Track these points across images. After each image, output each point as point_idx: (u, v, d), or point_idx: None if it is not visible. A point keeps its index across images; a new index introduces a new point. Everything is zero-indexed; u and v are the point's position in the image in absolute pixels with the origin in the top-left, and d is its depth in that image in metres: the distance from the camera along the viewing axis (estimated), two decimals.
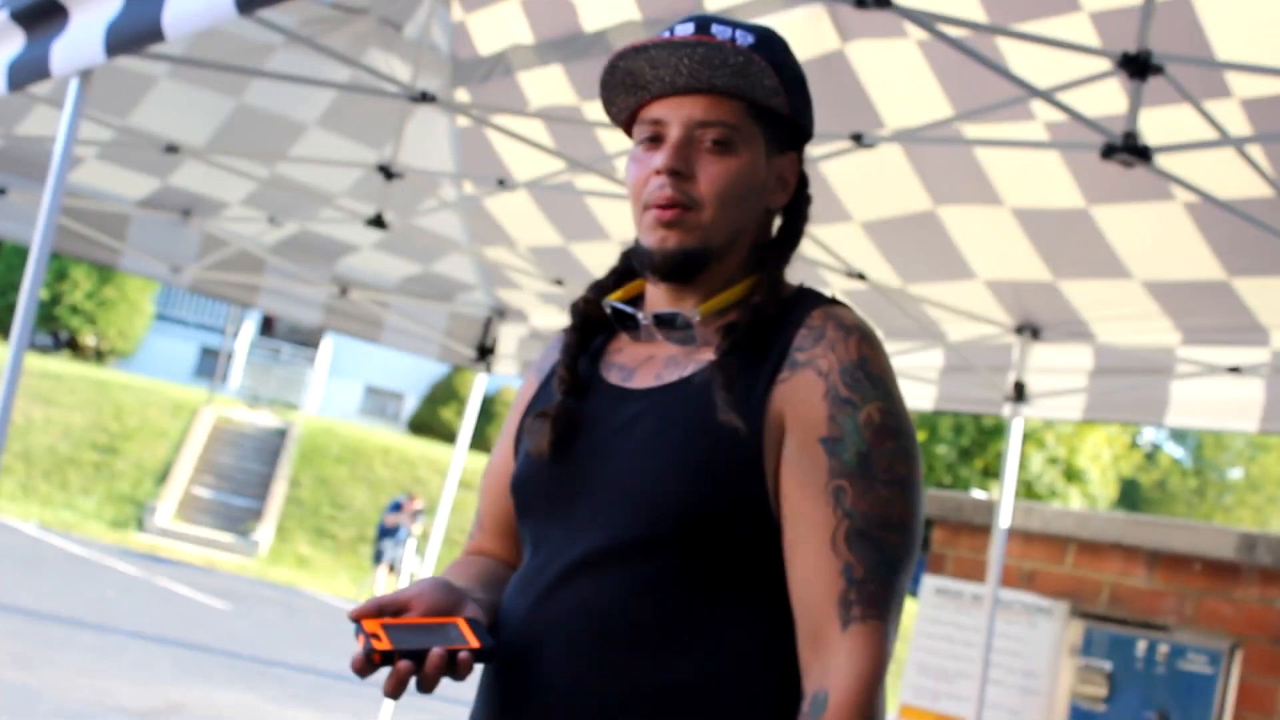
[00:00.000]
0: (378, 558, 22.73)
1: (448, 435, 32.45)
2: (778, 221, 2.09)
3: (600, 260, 6.54)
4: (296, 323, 7.74)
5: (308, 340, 37.09)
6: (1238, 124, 4.17)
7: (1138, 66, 3.74)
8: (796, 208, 2.08)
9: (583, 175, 5.66)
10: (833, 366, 1.87)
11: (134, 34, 3.29)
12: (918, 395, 6.18)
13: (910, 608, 16.54)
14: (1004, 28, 4.16)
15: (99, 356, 32.88)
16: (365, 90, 5.49)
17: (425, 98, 4.96)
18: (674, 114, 1.97)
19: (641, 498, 1.87)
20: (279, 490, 26.59)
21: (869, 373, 1.88)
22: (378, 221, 5.96)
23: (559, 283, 6.83)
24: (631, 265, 2.12)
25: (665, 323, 1.99)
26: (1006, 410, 5.86)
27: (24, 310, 3.64)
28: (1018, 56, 4.34)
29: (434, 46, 5.90)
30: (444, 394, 34.30)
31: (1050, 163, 4.79)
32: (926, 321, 5.82)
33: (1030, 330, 5.68)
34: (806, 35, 4.75)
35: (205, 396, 29.72)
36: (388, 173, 5.80)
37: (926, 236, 5.34)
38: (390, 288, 7.52)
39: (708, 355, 1.96)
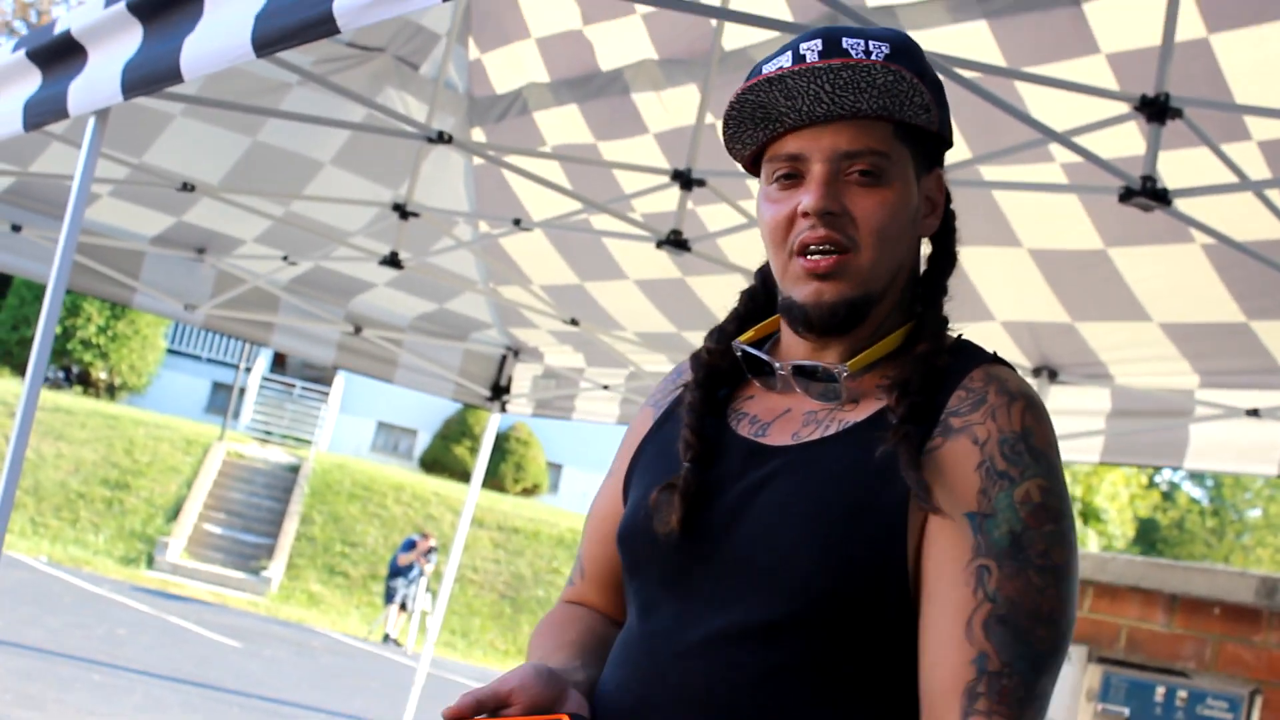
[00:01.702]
0: (389, 596, 22.66)
1: (460, 472, 32.38)
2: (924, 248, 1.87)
3: (615, 299, 6.53)
4: (310, 360, 7.70)
5: (320, 376, 37.08)
6: (1256, 167, 4.15)
7: (1156, 109, 3.72)
8: (946, 230, 1.86)
9: (598, 214, 5.65)
10: (991, 435, 1.66)
11: (152, 74, 3.29)
12: None
13: None
14: (1020, 71, 4.15)
15: (111, 391, 32.87)
16: (381, 130, 5.49)
17: (442, 138, 4.95)
18: (814, 146, 1.73)
19: (771, 574, 1.65)
20: (290, 527, 26.53)
21: (1031, 445, 1.66)
22: (393, 260, 5.95)
23: (574, 322, 6.82)
24: (753, 308, 1.93)
25: (806, 373, 1.77)
26: None
27: (39, 347, 3.63)
28: (1036, 99, 4.33)
29: (450, 85, 5.91)
30: (457, 431, 34.25)
31: (1068, 204, 4.78)
32: None
33: (1048, 372, 5.66)
34: None
35: (217, 432, 29.67)
36: (403, 211, 5.80)
37: None
38: (404, 326, 7.51)
39: (854, 414, 1.74)
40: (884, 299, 1.76)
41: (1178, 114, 3.72)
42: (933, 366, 1.71)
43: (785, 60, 1.74)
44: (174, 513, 25.78)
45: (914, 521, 1.64)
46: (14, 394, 27.54)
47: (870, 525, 1.63)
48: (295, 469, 28.86)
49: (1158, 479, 45.52)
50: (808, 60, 1.72)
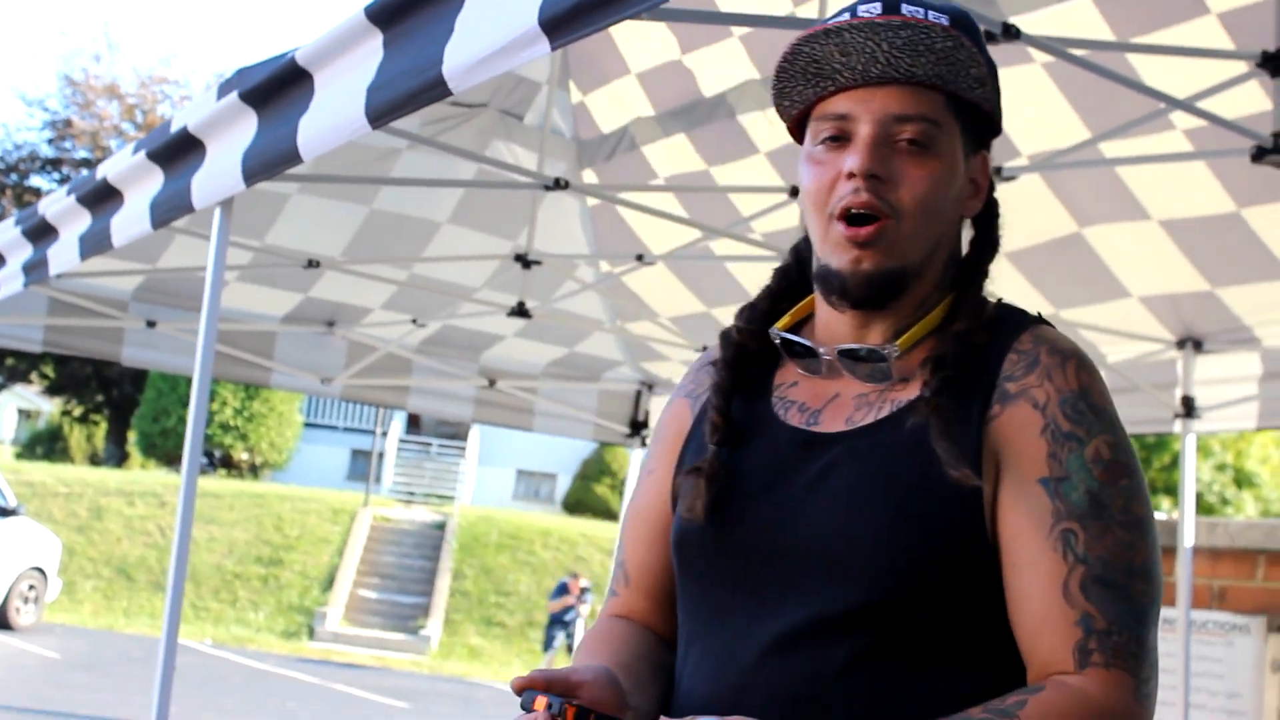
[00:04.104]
0: (548, 644, 22.76)
1: (604, 511, 32.47)
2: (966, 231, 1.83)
3: None
4: (447, 418, 7.76)
5: (455, 432, 37.43)
6: None
7: (1278, 64, 3.63)
8: (989, 213, 1.82)
9: (719, 240, 5.64)
10: (1050, 397, 1.64)
11: (272, 159, 3.33)
12: None
13: None
14: (1130, 43, 4.08)
15: (254, 471, 33.44)
16: (493, 184, 5.52)
17: (558, 184, 4.97)
18: (864, 108, 1.69)
19: (848, 564, 1.61)
20: (443, 584, 26.75)
21: (1092, 403, 1.65)
22: (520, 310, 5.98)
23: (705, 350, 6.80)
24: (786, 285, 1.88)
25: (853, 355, 1.72)
26: (1178, 427, 5.71)
27: (192, 437, 3.69)
28: (1150, 68, 4.25)
29: (556, 131, 5.94)
30: (595, 470, 34.37)
31: (1195, 170, 4.68)
32: (1084, 345, 5.70)
33: (1193, 343, 5.54)
34: None
35: (361, 498, 30.03)
36: (524, 261, 5.83)
37: (1075, 259, 5.24)
38: (537, 374, 7.55)
39: (904, 393, 1.70)
40: (922, 274, 1.72)
41: None
42: (970, 343, 1.68)
43: (843, 18, 1.69)
44: (328, 582, 26.11)
45: (989, 492, 1.62)
46: (161, 484, 28.09)
47: (944, 501, 1.61)
48: (441, 526, 29.11)
49: None
50: (862, 15, 1.68)
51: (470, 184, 5.53)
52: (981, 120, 1.75)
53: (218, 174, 3.61)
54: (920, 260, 1.71)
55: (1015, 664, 1.62)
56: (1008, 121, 2.20)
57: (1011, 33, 3.20)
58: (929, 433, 1.63)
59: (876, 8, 1.69)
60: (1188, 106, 3.78)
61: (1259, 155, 3.65)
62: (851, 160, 1.67)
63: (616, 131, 5.89)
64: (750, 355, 1.82)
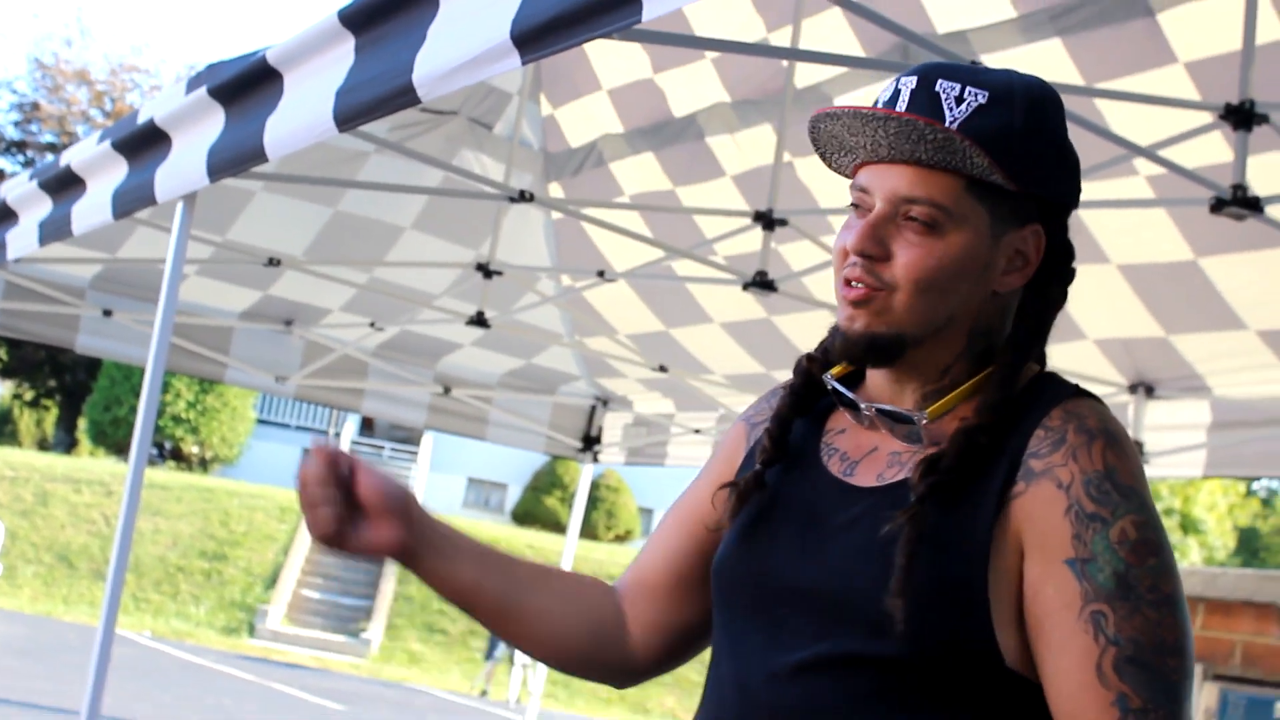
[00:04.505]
0: (490, 653, 22.73)
1: (553, 523, 32.42)
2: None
3: (702, 343, 6.52)
4: (400, 424, 7.78)
5: (408, 437, 37.33)
6: None
7: (1242, 117, 3.67)
8: (1042, 287, 1.81)
9: (681, 260, 5.65)
10: (1074, 477, 1.65)
11: (237, 156, 3.33)
12: None
13: None
14: (1097, 88, 4.12)
15: (203, 465, 33.25)
16: (459, 193, 5.52)
17: (523, 196, 4.98)
18: (879, 184, 1.74)
19: (855, 610, 1.68)
20: (387, 588, 26.65)
21: (1118, 483, 1.65)
22: (479, 319, 5.98)
23: (662, 368, 6.82)
24: None
25: (890, 415, 1.77)
26: None
27: (141, 428, 3.67)
28: (1116, 114, 4.28)
29: (525, 143, 5.94)
30: (547, 483, 34.32)
31: (1155, 218, 4.72)
32: None
33: (1145, 388, 5.59)
34: None
35: None
36: (486, 271, 5.82)
37: None
38: (493, 383, 7.54)
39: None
40: (935, 343, 1.75)
41: (1263, 119, 3.67)
42: (974, 441, 1.69)
43: (885, 95, 1.75)
44: (272, 580, 25.98)
45: (1001, 566, 1.65)
46: (109, 473, 27.90)
47: (950, 566, 1.65)
48: None
49: (1256, 486, 44.84)
50: (897, 101, 1.72)
51: (436, 191, 5.52)
52: (1018, 199, 1.74)
53: (182, 168, 3.60)
54: (921, 331, 1.74)
55: (1027, 718, 1.67)
56: None
57: None
58: (934, 508, 1.67)
59: (912, 83, 1.74)
60: (1151, 154, 3.81)
61: (1218, 206, 3.68)
62: (849, 237, 1.74)
63: (585, 146, 5.90)
64: (815, 387, 1.89)
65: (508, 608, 1.93)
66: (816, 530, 1.76)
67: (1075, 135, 4.03)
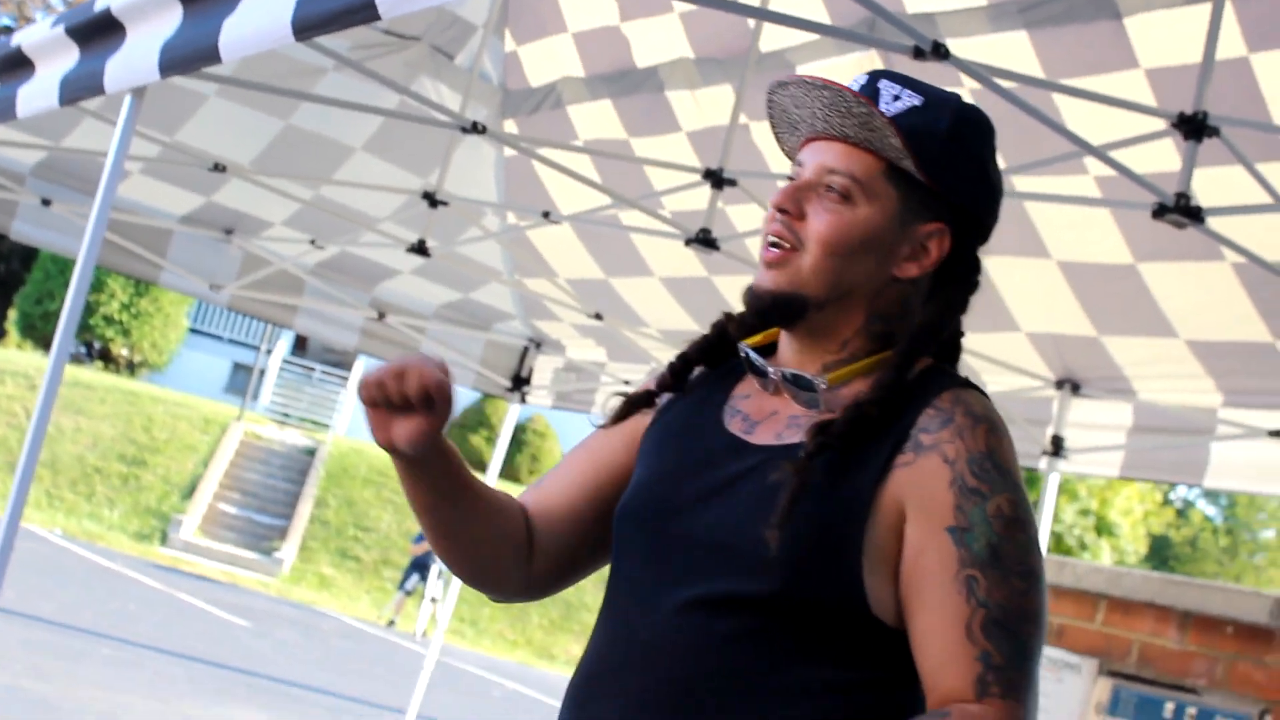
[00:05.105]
0: (403, 584, 22.75)
1: (477, 463, 32.36)
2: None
3: (642, 295, 6.53)
4: (332, 345, 7.77)
5: (340, 361, 37.14)
6: None
7: (1194, 127, 3.70)
8: (944, 290, 2.00)
9: (627, 211, 5.64)
10: (960, 455, 1.83)
11: (190, 55, 3.30)
12: None
13: None
14: (1058, 83, 4.14)
15: (131, 368, 32.97)
16: (414, 118, 5.49)
17: (475, 128, 4.95)
18: (812, 157, 1.95)
19: (734, 553, 1.84)
20: (305, 509, 26.59)
21: (997, 464, 1.84)
22: (420, 248, 5.95)
23: (598, 316, 6.82)
24: None
25: (795, 381, 1.95)
26: (1043, 464, 5.81)
27: (65, 322, 3.64)
28: (1072, 111, 4.31)
29: (485, 76, 5.91)
30: (474, 421, 34.28)
31: (1099, 218, 4.76)
32: (967, 371, 5.73)
33: (1071, 385, 5.65)
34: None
35: (235, 412, 29.73)
36: (432, 200, 5.79)
37: None
38: (428, 314, 7.52)
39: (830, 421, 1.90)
40: (835, 311, 1.93)
41: (1214, 132, 3.70)
42: (864, 415, 1.85)
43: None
44: (189, 491, 25.87)
45: (880, 526, 1.83)
46: (35, 367, 27.64)
47: (832, 515, 1.82)
48: (312, 452, 28.92)
49: (1172, 496, 45.37)
50: (829, 80, 1.91)
51: (389, 114, 5.48)
52: (929, 193, 1.93)
53: (134, 61, 3.56)
54: (823, 294, 1.92)
55: (885, 663, 1.85)
56: None
57: (940, 51, 3.23)
58: (822, 465, 1.84)
59: (864, 77, 1.96)
60: (1101, 154, 3.83)
61: (1160, 212, 3.71)
62: (774, 196, 1.95)
63: (544, 87, 5.88)
64: (728, 348, 2.07)
65: (451, 533, 2.03)
66: (712, 481, 1.92)
67: (1031, 128, 4.09)
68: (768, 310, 1.94)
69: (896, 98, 1.92)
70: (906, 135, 1.88)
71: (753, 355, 2.00)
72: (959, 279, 2.00)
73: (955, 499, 1.81)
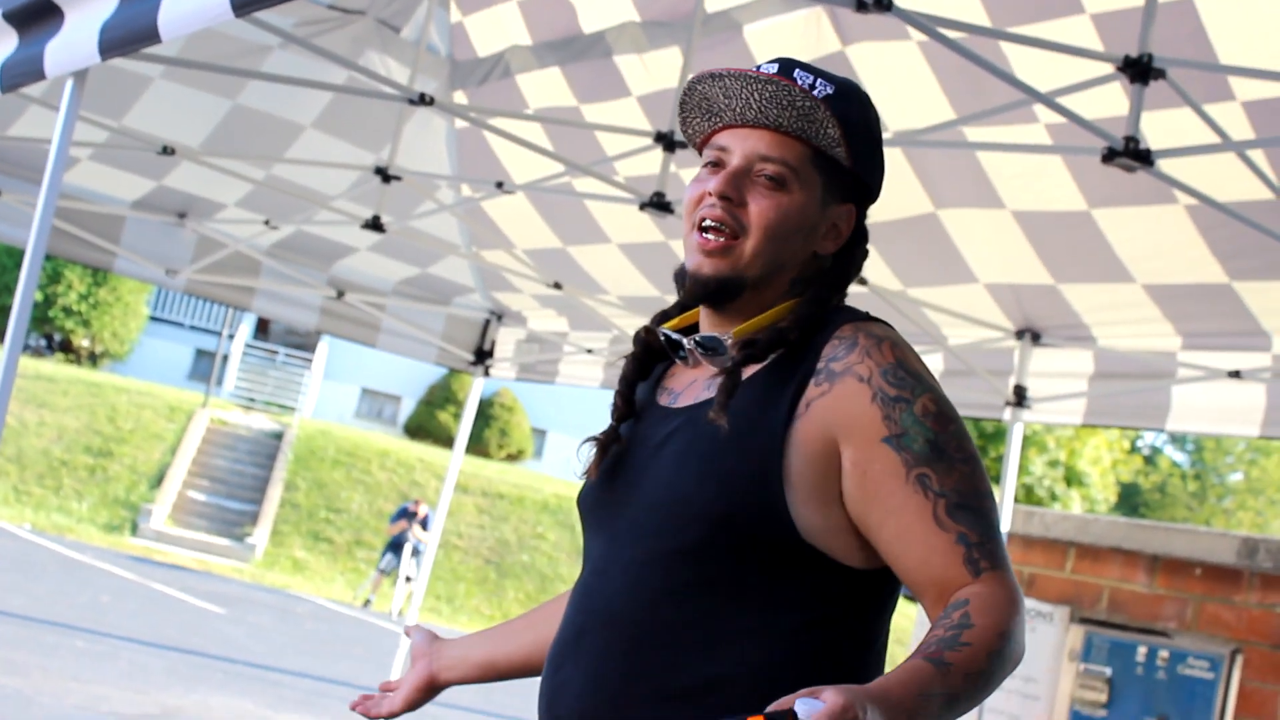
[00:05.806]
0: (379, 565, 22.74)
1: (445, 438, 32.37)
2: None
3: (599, 263, 6.52)
4: (292, 325, 7.73)
5: (303, 343, 37.02)
6: (1240, 128, 4.14)
7: (1140, 70, 3.71)
8: (848, 256, 2.15)
9: (581, 178, 5.63)
10: (872, 371, 1.95)
11: (129, 35, 3.25)
12: None
13: (910, 611, 16.51)
14: (1005, 31, 4.14)
15: (93, 359, 32.80)
16: (362, 92, 5.45)
17: (424, 100, 4.92)
18: (739, 144, 2.06)
19: (668, 509, 1.98)
20: (274, 494, 26.53)
21: (910, 370, 1.97)
22: (375, 224, 5.92)
23: (557, 286, 6.80)
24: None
25: (706, 347, 2.07)
26: (1007, 415, 5.82)
27: (18, 313, 3.60)
28: (1020, 59, 4.31)
29: (432, 48, 5.87)
30: (441, 397, 34.24)
31: (1052, 166, 4.76)
32: (926, 324, 5.79)
33: (1031, 334, 5.66)
34: (806, 37, 4.72)
35: (200, 399, 29.63)
36: (385, 175, 5.76)
37: (927, 239, 5.31)
38: (387, 291, 7.49)
39: (743, 376, 2.03)
40: (765, 288, 2.06)
41: (1161, 75, 3.71)
42: (784, 336, 2.01)
43: (735, 68, 2.05)
44: (157, 480, 25.76)
45: (802, 458, 1.94)
46: None
47: (749, 456, 1.94)
48: (279, 435, 28.84)
49: (1140, 443, 45.68)
50: (759, 71, 2.03)
51: (337, 89, 5.44)
52: (845, 176, 2.09)
53: (73, 44, 3.51)
54: (758, 275, 2.05)
55: (837, 599, 1.97)
56: (876, 94, 2.30)
57: (884, 4, 3.23)
58: (757, 401, 1.98)
59: (774, 67, 2.04)
60: (1050, 101, 3.84)
61: (1109, 156, 3.72)
62: (713, 183, 2.05)
63: (492, 57, 5.84)
64: (656, 353, 2.20)
65: (520, 666, 2.37)
66: (646, 452, 2.07)
67: (980, 77, 4.08)
68: (711, 294, 2.06)
69: (812, 87, 2.04)
70: (841, 123, 2.03)
71: (670, 334, 2.13)
72: (857, 248, 2.16)
73: (882, 411, 1.93)
